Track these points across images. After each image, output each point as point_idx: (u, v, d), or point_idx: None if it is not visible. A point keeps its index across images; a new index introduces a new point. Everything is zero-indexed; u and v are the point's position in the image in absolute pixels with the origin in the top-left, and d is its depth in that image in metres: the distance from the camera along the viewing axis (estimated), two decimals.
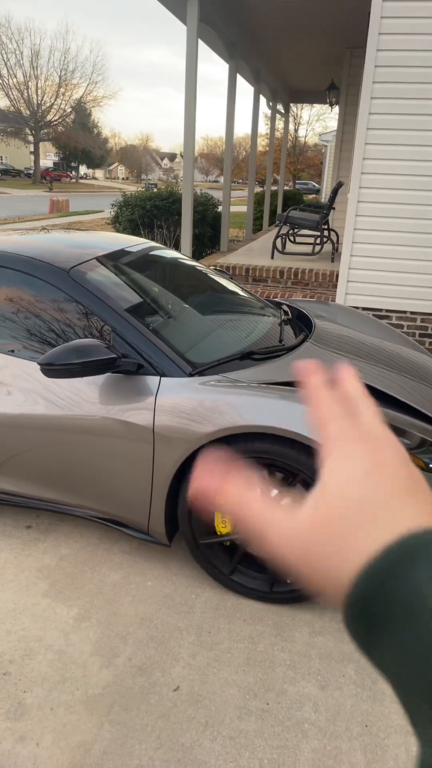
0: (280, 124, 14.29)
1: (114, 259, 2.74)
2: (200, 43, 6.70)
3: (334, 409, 0.35)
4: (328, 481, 0.32)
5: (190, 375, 2.23)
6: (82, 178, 65.20)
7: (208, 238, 8.87)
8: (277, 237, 7.15)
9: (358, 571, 0.29)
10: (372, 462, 0.32)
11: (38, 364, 2.07)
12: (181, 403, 2.13)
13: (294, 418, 1.99)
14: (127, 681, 1.86)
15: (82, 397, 2.27)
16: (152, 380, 2.22)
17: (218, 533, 2.23)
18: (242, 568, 2.25)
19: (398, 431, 2.07)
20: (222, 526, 2.23)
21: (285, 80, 11.65)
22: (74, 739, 1.66)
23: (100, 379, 2.28)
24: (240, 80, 9.05)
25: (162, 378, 2.22)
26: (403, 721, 1.77)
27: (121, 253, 2.86)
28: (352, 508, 0.30)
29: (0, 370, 2.40)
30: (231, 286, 3.38)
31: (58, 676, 1.86)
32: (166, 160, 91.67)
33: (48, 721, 1.72)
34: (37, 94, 44.20)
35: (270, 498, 0.33)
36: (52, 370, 2.05)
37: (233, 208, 22.56)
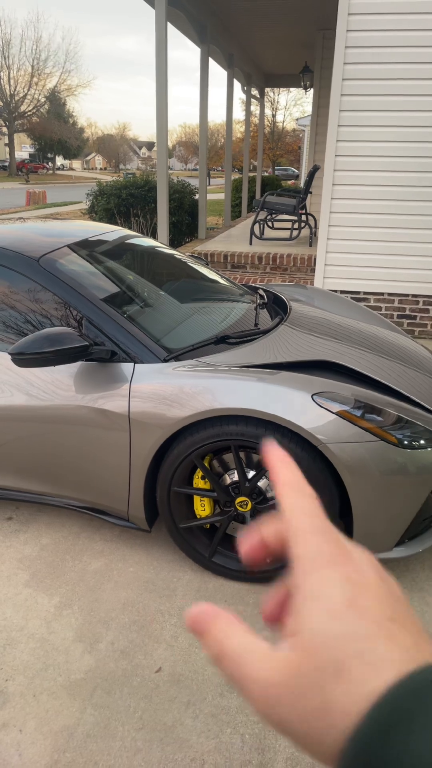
0: (257, 110, 14.20)
1: (86, 247, 2.72)
2: (170, 27, 6.62)
3: (306, 521, 0.31)
4: (305, 615, 0.27)
5: (165, 360, 2.23)
6: (59, 169, 64.30)
7: (185, 226, 8.82)
8: (254, 223, 7.13)
9: (345, 740, 0.24)
10: (353, 588, 0.28)
11: (9, 353, 2.05)
12: (155, 388, 2.12)
13: (267, 400, 2.00)
14: (109, 665, 1.87)
15: (58, 386, 2.25)
16: (126, 367, 2.21)
17: (197, 516, 2.25)
18: (222, 550, 2.27)
19: (374, 410, 2.09)
20: (201, 510, 2.24)
21: (259, 64, 11.56)
22: (57, 723, 1.68)
23: (74, 368, 2.26)
24: (216, 67, 8.96)
25: (136, 364, 2.21)
26: None
27: (94, 241, 2.83)
28: (333, 651, 0.26)
29: None
30: (207, 272, 3.37)
31: (40, 664, 1.87)
32: (144, 149, 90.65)
33: (30, 707, 1.72)
34: (9, 85, 43.38)
35: (252, 636, 0.28)
36: (23, 359, 2.03)
37: (212, 196, 22.53)
